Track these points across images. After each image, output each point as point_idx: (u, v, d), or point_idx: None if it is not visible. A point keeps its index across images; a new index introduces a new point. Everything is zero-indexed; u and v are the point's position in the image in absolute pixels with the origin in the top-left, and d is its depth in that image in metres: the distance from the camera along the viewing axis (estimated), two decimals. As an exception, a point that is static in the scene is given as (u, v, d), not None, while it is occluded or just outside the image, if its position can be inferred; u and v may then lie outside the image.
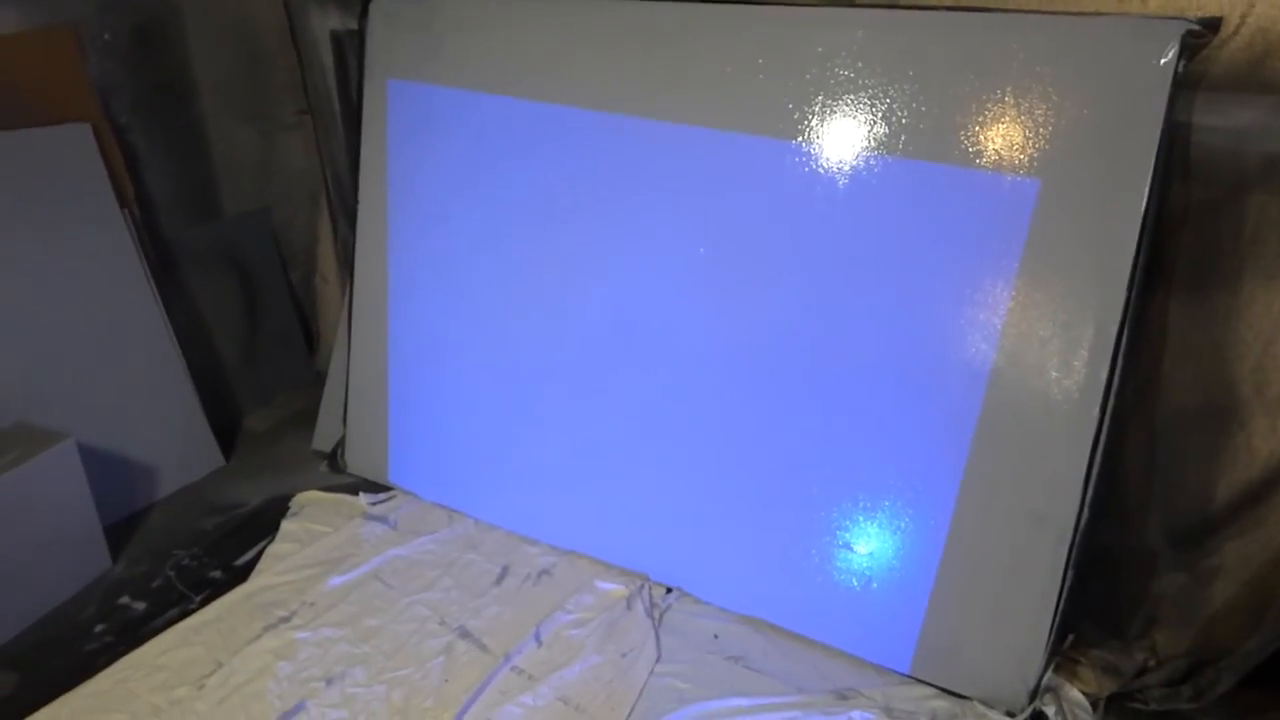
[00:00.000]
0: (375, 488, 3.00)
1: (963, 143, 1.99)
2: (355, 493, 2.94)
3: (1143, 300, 1.97)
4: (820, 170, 2.14)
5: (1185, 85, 1.84)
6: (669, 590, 2.54)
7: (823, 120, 2.12)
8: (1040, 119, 1.92)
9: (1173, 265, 2.09)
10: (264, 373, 3.54)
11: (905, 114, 2.04)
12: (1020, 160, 1.95)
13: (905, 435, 2.17)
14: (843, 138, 2.11)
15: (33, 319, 2.60)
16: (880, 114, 2.06)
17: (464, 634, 2.37)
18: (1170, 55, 1.79)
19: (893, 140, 2.06)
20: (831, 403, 2.23)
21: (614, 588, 2.52)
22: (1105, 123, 1.87)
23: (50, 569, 2.47)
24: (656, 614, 2.44)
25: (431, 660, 2.27)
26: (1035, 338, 1.99)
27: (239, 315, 3.42)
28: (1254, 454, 2.08)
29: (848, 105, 2.09)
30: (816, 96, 2.12)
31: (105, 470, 2.67)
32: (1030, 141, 1.93)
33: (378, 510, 2.86)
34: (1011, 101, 1.94)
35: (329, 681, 2.20)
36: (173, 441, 3.00)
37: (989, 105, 1.95)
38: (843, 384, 2.21)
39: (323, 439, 3.22)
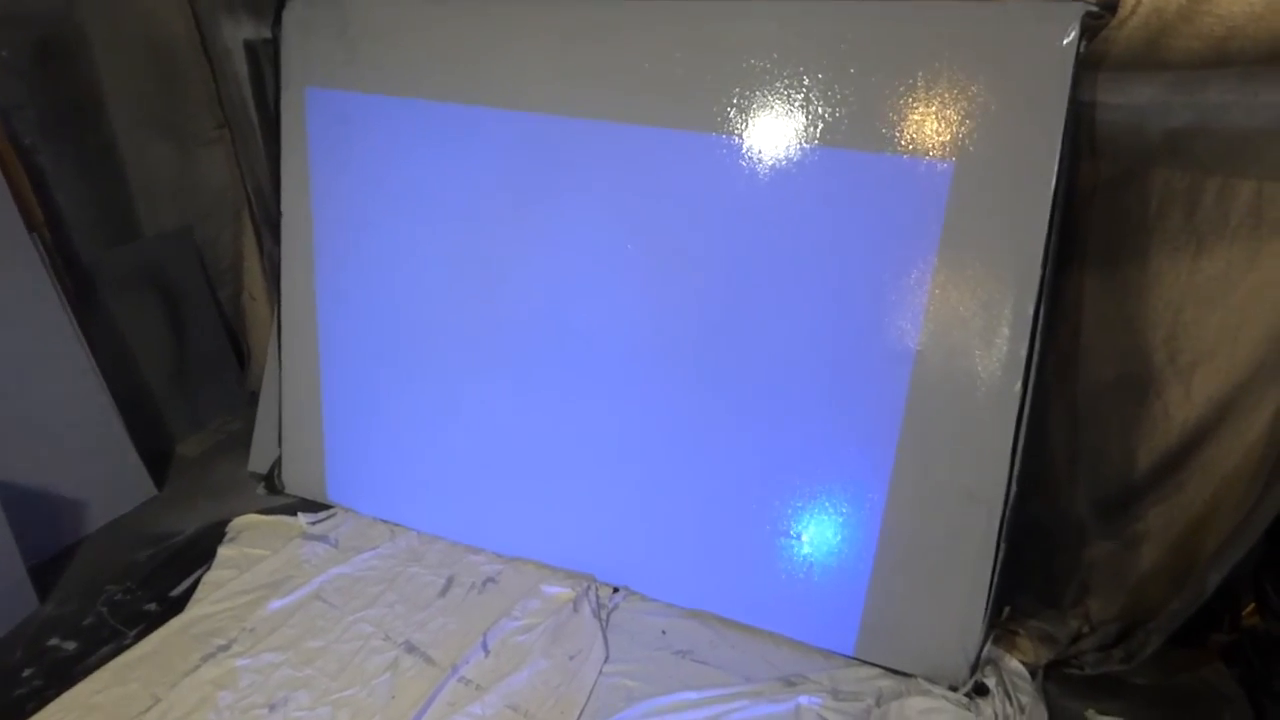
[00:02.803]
0: (314, 507, 2.93)
1: (878, 129, 2.02)
2: (294, 513, 2.88)
3: (1058, 276, 2.02)
4: (742, 162, 2.15)
5: (1087, 65, 1.90)
6: (616, 590, 2.53)
7: (742, 112, 2.13)
8: (951, 102, 1.96)
9: (1085, 241, 2.14)
10: (195, 397, 3.44)
11: (821, 103, 2.06)
12: (934, 144, 1.98)
13: (837, 421, 2.19)
14: (762, 129, 2.12)
15: (-62, 353, 2.49)
16: (797, 104, 2.08)
17: (410, 648, 2.33)
18: (1071, 36, 1.84)
19: (810, 129, 2.08)
20: (764, 393, 2.25)
21: (560, 591, 2.50)
22: (1013, 104, 1.92)
23: (-29, 614, 2.37)
24: (604, 614, 2.43)
25: (377, 677, 2.23)
26: (957, 317, 2.03)
27: (165, 339, 3.31)
28: (1170, 421, 2.14)
29: (765, 97, 2.11)
30: (734, 89, 2.13)
31: (28, 507, 2.57)
32: (943, 125, 1.97)
33: (317, 529, 2.80)
34: (922, 87, 1.97)
35: (272, 708, 2.15)
36: (100, 473, 2.90)
37: (901, 91, 1.99)
38: (774, 374, 2.23)
39: (258, 460, 3.14)
